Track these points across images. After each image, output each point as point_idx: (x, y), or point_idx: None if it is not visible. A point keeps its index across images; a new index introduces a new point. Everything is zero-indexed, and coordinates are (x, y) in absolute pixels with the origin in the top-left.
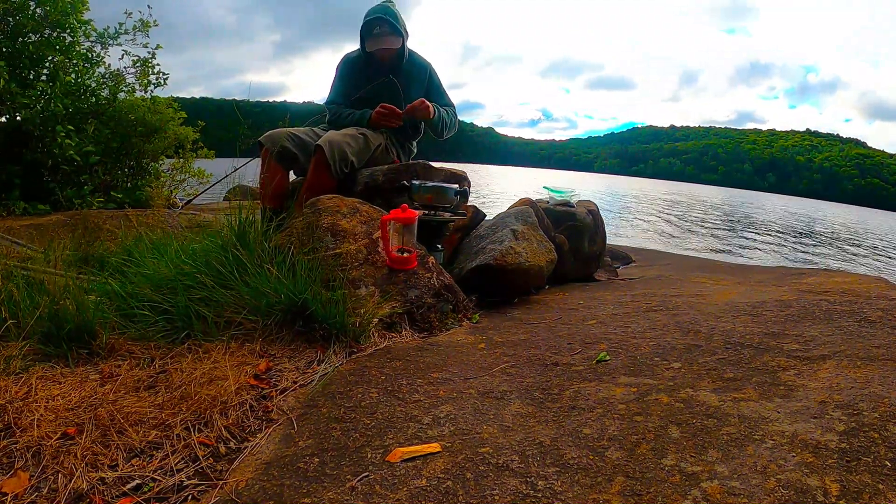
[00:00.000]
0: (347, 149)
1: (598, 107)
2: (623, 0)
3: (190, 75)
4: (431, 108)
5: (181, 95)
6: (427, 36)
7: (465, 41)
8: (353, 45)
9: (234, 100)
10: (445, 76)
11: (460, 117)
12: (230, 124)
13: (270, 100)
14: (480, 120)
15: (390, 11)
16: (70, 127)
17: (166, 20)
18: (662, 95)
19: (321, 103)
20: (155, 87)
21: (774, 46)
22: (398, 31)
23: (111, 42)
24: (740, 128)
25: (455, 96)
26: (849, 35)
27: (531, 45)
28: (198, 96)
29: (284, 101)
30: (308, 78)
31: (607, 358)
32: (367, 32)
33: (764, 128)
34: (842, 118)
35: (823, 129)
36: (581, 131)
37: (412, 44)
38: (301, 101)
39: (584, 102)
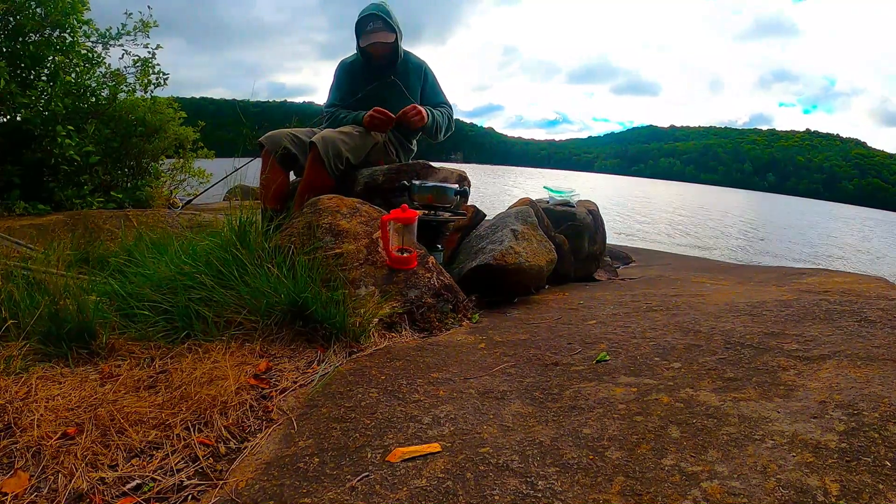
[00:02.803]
0: (342, 145)
1: (616, 111)
2: (670, 14)
3: (218, 74)
4: (424, 114)
5: (205, 95)
6: (475, 40)
7: (506, 45)
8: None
9: (235, 100)
10: (479, 78)
11: (482, 119)
12: (230, 124)
13: (270, 100)
14: (500, 121)
15: (383, 9)
16: (70, 127)
17: (218, 19)
18: (685, 101)
19: (320, 104)
20: (155, 88)
21: (804, 59)
22: (391, 27)
23: (112, 42)
24: (741, 128)
25: (480, 98)
26: (874, 49)
27: (566, 50)
28: (218, 97)
29: (284, 100)
30: (326, 81)
31: (607, 358)
32: (360, 30)
33: (766, 128)
34: (854, 124)
35: (823, 130)
36: (594, 133)
37: (446, 51)
38: (301, 101)
39: (605, 106)
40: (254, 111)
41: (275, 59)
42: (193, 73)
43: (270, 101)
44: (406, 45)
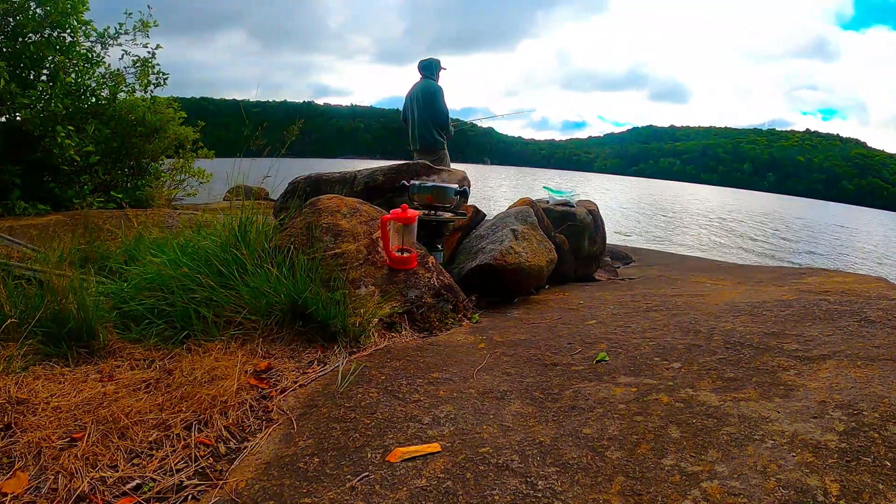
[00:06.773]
0: None
1: (640, 115)
2: (720, 27)
3: (263, 75)
4: None
5: (246, 98)
6: (541, 49)
7: (558, 49)
8: (458, 59)
9: (235, 100)
10: (520, 84)
11: (500, 121)
12: (231, 124)
13: (270, 100)
14: (523, 122)
15: None
16: (70, 127)
17: (293, 22)
18: (708, 107)
19: (320, 104)
20: (155, 87)
21: (837, 77)
22: None
23: (111, 42)
24: (741, 128)
25: (509, 103)
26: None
27: (612, 57)
28: (253, 99)
29: (285, 100)
30: (370, 83)
31: (607, 358)
32: None
33: (766, 129)
34: (866, 128)
35: (823, 130)
36: (595, 134)
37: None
38: (300, 101)
39: (632, 111)
40: (254, 111)
41: (327, 60)
42: (245, 71)
43: (270, 101)
44: (476, 50)
